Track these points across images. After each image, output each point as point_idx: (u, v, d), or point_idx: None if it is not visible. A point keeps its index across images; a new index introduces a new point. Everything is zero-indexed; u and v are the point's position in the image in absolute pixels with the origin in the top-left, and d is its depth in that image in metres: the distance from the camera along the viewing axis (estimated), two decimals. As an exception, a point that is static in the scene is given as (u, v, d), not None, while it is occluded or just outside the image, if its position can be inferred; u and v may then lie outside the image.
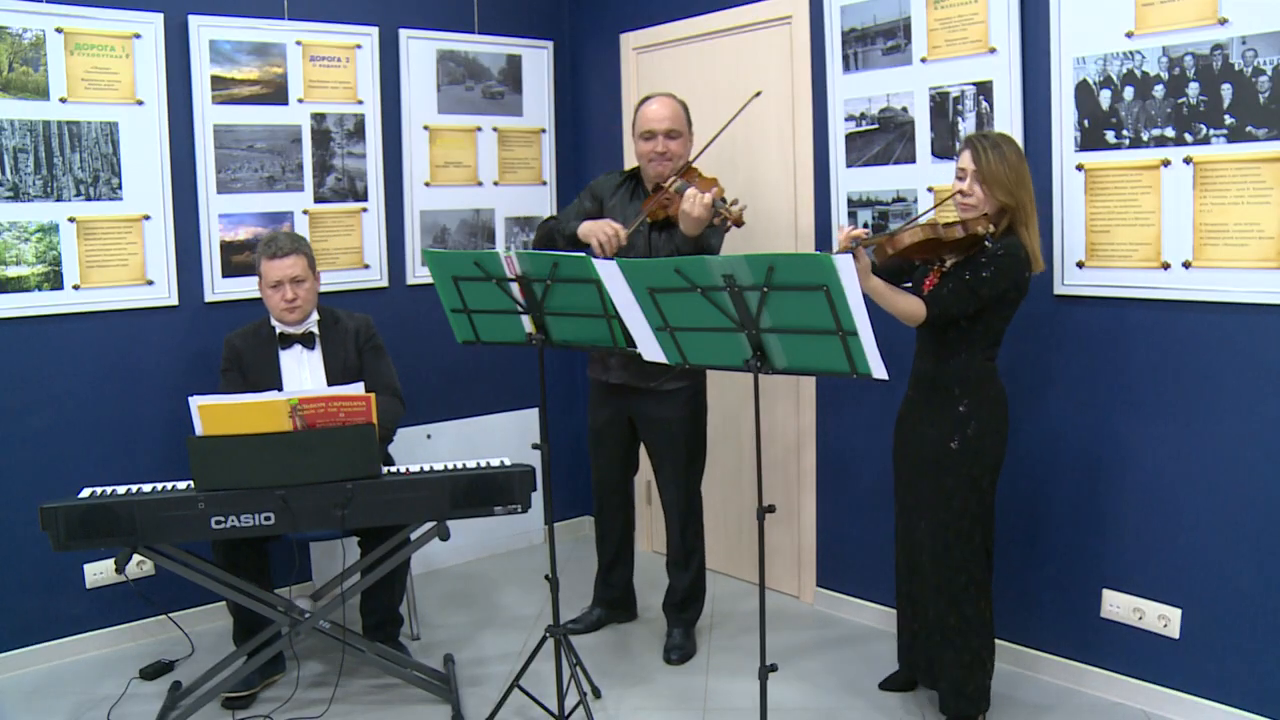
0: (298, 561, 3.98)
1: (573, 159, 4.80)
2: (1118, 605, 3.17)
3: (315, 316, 3.43)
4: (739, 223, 3.02)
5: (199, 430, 2.75)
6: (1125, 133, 2.95)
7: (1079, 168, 3.06)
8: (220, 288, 3.91)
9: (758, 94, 3.32)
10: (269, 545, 3.34)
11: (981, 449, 2.74)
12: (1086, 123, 3.04)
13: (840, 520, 3.92)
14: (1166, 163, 2.87)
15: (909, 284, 2.86)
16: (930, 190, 3.36)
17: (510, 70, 4.60)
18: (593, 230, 3.24)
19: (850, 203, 3.70)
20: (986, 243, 2.68)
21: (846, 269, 2.06)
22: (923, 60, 3.39)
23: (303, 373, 3.39)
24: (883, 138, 3.56)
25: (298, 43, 4.01)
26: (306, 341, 3.40)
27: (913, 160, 3.48)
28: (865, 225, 3.62)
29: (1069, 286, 3.13)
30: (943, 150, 3.37)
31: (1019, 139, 3.10)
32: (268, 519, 2.78)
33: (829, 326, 2.16)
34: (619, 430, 3.58)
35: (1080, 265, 3.08)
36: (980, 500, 2.78)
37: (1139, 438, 3.04)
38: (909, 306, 2.67)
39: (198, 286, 3.85)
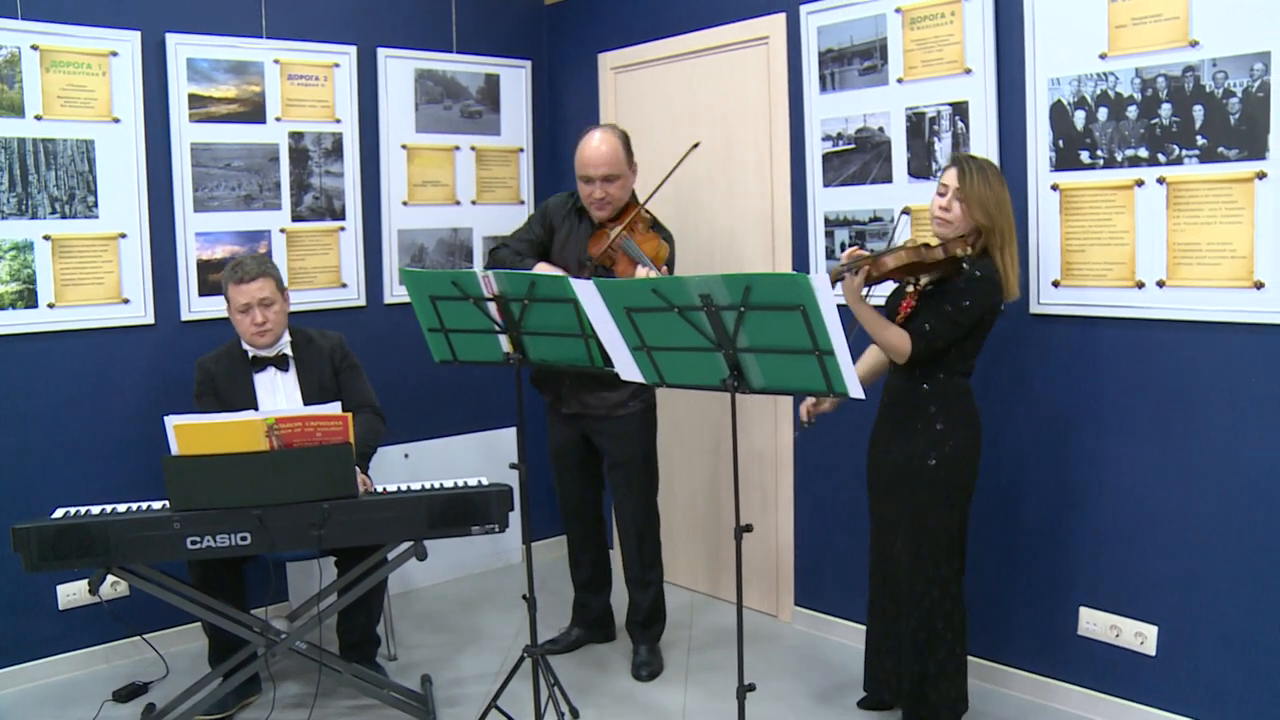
0: (274, 582, 3.91)
1: (550, 178, 4.78)
2: (1094, 623, 3.16)
3: (287, 338, 3.39)
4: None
5: (174, 450, 2.71)
6: (1100, 153, 2.96)
7: (1054, 188, 3.07)
8: (197, 306, 3.86)
9: (696, 145, 3.36)
10: (245, 565, 3.29)
11: (959, 466, 2.74)
12: (1061, 143, 3.04)
13: (818, 539, 3.90)
14: (1140, 183, 2.88)
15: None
16: (906, 211, 3.37)
17: (488, 89, 4.60)
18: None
19: (827, 222, 3.69)
20: (964, 265, 2.68)
21: (823, 289, 2.05)
22: (899, 81, 3.40)
23: (278, 396, 3.35)
24: (859, 158, 3.56)
25: (276, 61, 3.98)
26: (280, 364, 3.36)
27: (889, 180, 3.48)
28: (843, 245, 3.64)
29: (1044, 306, 3.12)
30: (919, 170, 3.37)
31: (994, 159, 3.12)
32: (244, 539, 2.74)
33: (806, 346, 2.15)
34: (578, 449, 3.57)
35: (1055, 284, 3.08)
36: (957, 517, 2.78)
37: (1114, 456, 3.03)
38: (896, 341, 2.67)
39: (174, 305, 3.81)
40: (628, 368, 2.49)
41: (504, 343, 2.87)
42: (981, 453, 2.80)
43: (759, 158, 3.93)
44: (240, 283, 3.24)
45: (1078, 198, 3.01)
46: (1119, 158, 2.91)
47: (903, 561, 2.81)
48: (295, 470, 2.70)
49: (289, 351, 3.38)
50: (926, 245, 2.66)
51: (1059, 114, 3.03)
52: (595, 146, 3.31)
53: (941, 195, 2.72)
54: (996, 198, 2.68)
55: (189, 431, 2.70)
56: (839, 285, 2.57)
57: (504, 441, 4.67)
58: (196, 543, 2.71)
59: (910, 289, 2.76)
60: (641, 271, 3.04)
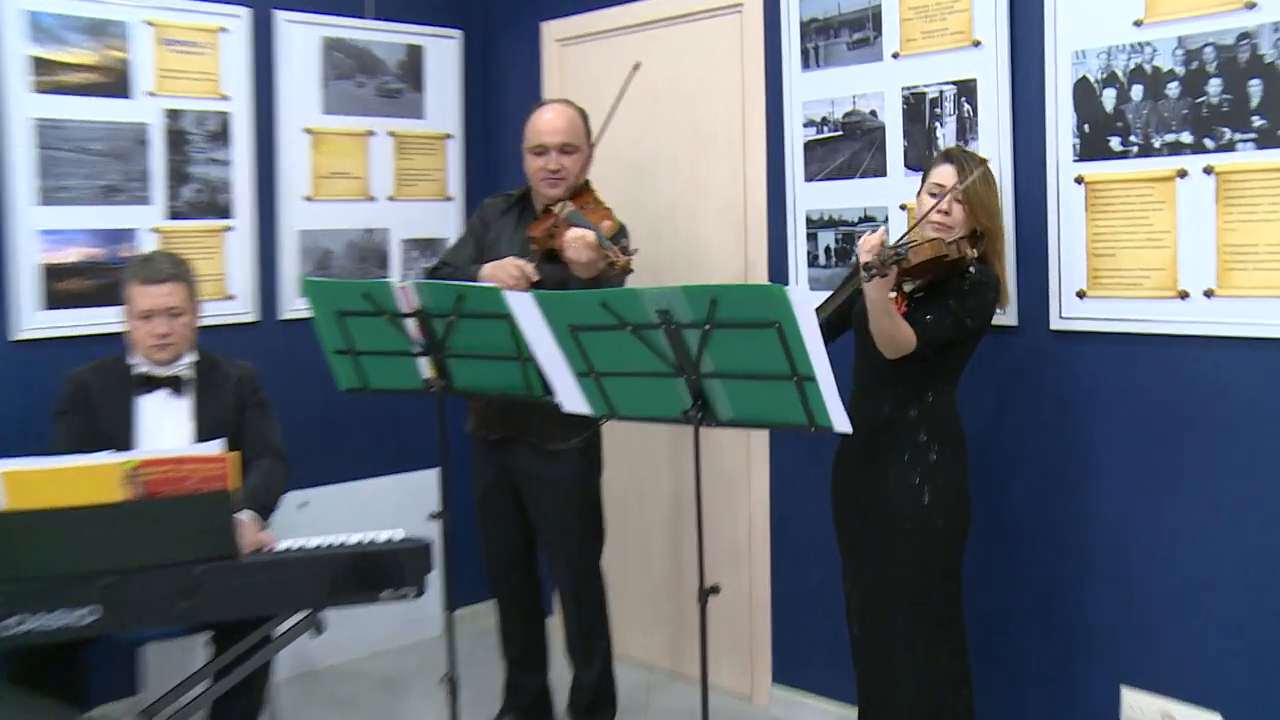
0: (125, 669, 3.80)
1: (484, 170, 4.77)
2: (1141, 708, 3.11)
3: (191, 358, 3.28)
4: (625, 270, 3.02)
5: (3, 503, 2.51)
6: (1134, 139, 2.96)
7: (1079, 180, 3.06)
8: (41, 321, 3.69)
9: (637, 66, 3.34)
10: (87, 649, 3.06)
11: (957, 500, 2.83)
12: (1087, 128, 3.04)
13: (800, 601, 3.86)
14: (1183, 173, 2.88)
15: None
16: (904, 208, 3.38)
17: (410, 64, 4.57)
18: (495, 275, 3.19)
19: (810, 223, 3.71)
20: (971, 269, 2.77)
21: (803, 303, 2.07)
22: (895, 56, 3.42)
23: (165, 424, 3.23)
24: (848, 146, 3.57)
25: (147, 22, 3.88)
26: (174, 386, 3.26)
27: (883, 173, 3.49)
28: (828, 250, 3.66)
29: (1068, 320, 3.12)
30: (917, 161, 3.35)
31: (1008, 146, 3.17)
32: (88, 616, 2.55)
33: (782, 371, 2.17)
34: (507, 494, 3.53)
35: (1081, 295, 3.08)
36: (957, 555, 2.86)
37: (1154, 504, 3.02)
38: (905, 333, 2.70)
39: (2, 320, 3.62)
40: (571, 397, 2.50)
41: (424, 367, 2.85)
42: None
43: (730, 147, 3.94)
44: (147, 282, 3.15)
45: (1107, 192, 3.01)
46: (1157, 144, 2.91)
47: (899, 617, 2.84)
48: (160, 525, 2.53)
49: (189, 374, 3.27)
50: (943, 243, 2.72)
51: (1084, 93, 3.03)
52: (551, 118, 3.36)
53: (934, 196, 2.80)
54: (996, 199, 2.85)
55: (24, 480, 2.49)
56: (869, 284, 2.60)
57: (424, 486, 4.48)
58: (23, 623, 2.49)
59: (894, 293, 2.79)
60: (589, 236, 3.02)
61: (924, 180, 2.88)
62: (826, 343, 2.26)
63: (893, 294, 2.74)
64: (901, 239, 2.68)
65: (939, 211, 2.75)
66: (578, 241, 3.05)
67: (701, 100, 4.02)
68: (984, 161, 2.81)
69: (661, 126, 4.09)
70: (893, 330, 2.67)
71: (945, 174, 2.81)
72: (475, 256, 3.41)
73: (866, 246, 2.57)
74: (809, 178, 3.71)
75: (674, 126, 4.05)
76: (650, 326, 2.29)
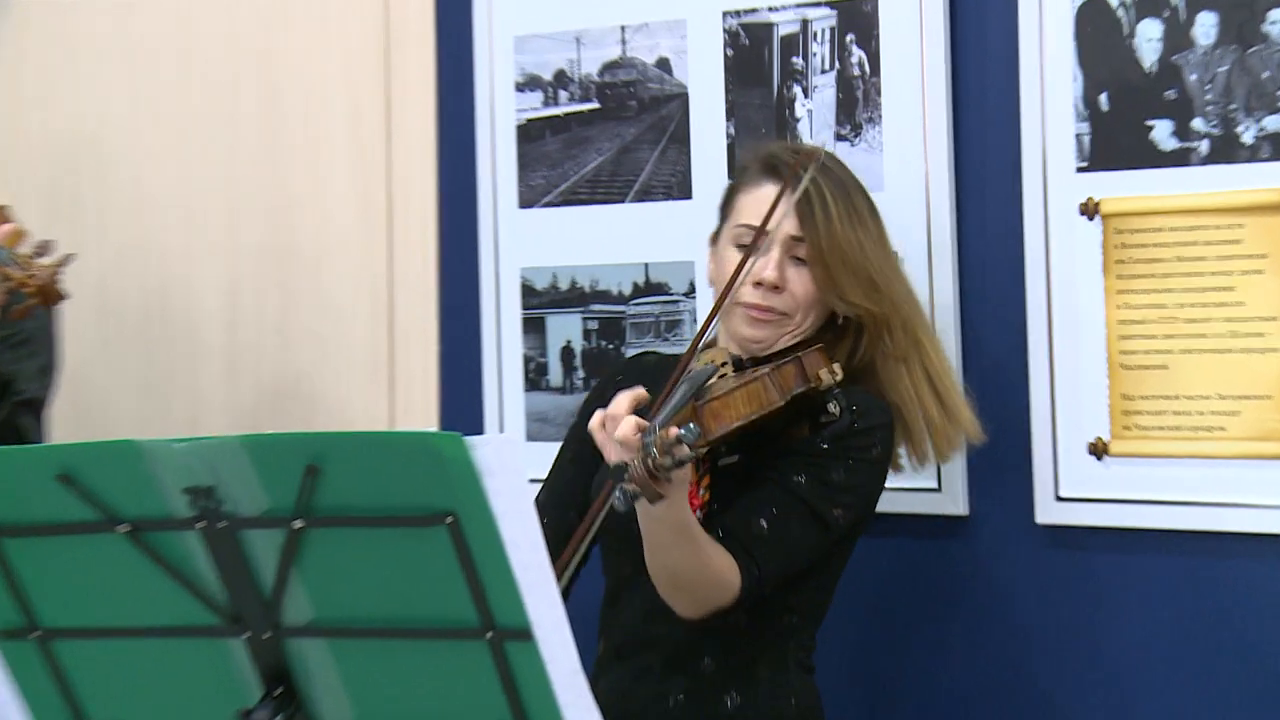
0: None
1: None
2: None
3: None
4: (50, 298, 2.56)
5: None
6: (1198, 126, 2.38)
7: (1087, 209, 2.45)
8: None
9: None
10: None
11: None
12: (1106, 101, 2.44)
13: None
14: None
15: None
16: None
17: None
18: None
19: (526, 295, 2.97)
20: (831, 404, 2.11)
21: (507, 471, 1.51)
22: None
23: None
24: (611, 134, 2.84)
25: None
26: None
27: (685, 190, 2.75)
28: (566, 350, 3.05)
29: (1070, 505, 2.44)
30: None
31: (940, 139, 2.55)
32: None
33: (462, 618, 1.59)
34: None
35: (1098, 452, 2.42)
36: None
37: None
38: (715, 573, 2.09)
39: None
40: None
41: None
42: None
43: (355, 134, 3.22)
44: None
45: (1146, 235, 2.43)
46: (1246, 137, 2.35)
47: None
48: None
49: None
50: (772, 374, 2.11)
51: (1099, 28, 2.46)
52: None
53: (745, 248, 2.24)
54: (879, 246, 2.26)
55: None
56: (636, 503, 1.92)
57: None
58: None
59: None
60: None
61: (724, 217, 2.31)
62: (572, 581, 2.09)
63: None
64: (679, 386, 2.09)
65: (755, 285, 2.21)
66: None
67: (286, 63, 3.29)
68: (846, 179, 2.26)
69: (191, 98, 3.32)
70: (690, 569, 2.11)
71: (764, 200, 2.21)
72: None
73: (616, 434, 2.00)
74: (527, 201, 2.93)
75: (227, 111, 3.33)
76: (169, 525, 1.64)
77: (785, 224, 2.15)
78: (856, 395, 2.13)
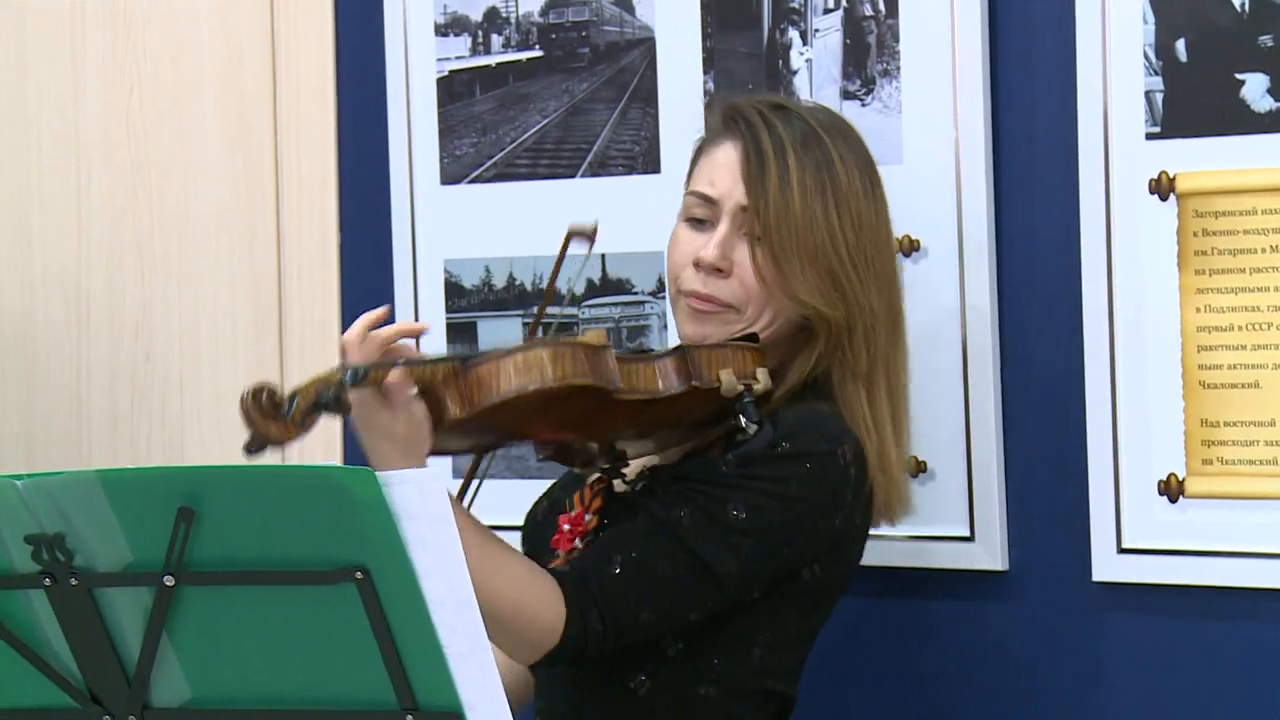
0: None
1: None
2: None
3: None
4: None
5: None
6: None
7: (1159, 187, 2.16)
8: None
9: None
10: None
11: None
12: (1184, 50, 2.18)
13: None
14: None
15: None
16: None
17: None
18: None
19: (452, 294, 2.72)
20: (742, 415, 1.81)
21: (427, 505, 1.39)
22: None
23: None
24: (556, 88, 2.60)
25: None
26: None
27: (653, 164, 2.48)
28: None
29: (1134, 560, 2.17)
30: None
31: (978, 100, 2.25)
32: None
33: (376, 701, 1.51)
34: None
35: (1171, 491, 2.16)
36: None
37: None
38: (534, 602, 1.81)
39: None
40: None
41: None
42: None
43: (234, 106, 2.89)
44: None
45: (1232, 219, 2.14)
46: None
47: None
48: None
49: None
50: (683, 354, 1.85)
51: None
52: None
53: (699, 225, 1.95)
54: (866, 235, 1.95)
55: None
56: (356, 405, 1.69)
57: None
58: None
59: (591, 480, 1.93)
60: None
61: (688, 184, 2.04)
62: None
63: (591, 479, 1.94)
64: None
65: (699, 269, 1.92)
66: None
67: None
68: (826, 131, 1.93)
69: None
70: (491, 589, 1.73)
71: (719, 164, 1.94)
72: None
73: (345, 334, 1.78)
74: (451, 176, 2.67)
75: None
76: (6, 582, 1.55)
77: (735, 191, 1.88)
78: (797, 412, 1.84)
